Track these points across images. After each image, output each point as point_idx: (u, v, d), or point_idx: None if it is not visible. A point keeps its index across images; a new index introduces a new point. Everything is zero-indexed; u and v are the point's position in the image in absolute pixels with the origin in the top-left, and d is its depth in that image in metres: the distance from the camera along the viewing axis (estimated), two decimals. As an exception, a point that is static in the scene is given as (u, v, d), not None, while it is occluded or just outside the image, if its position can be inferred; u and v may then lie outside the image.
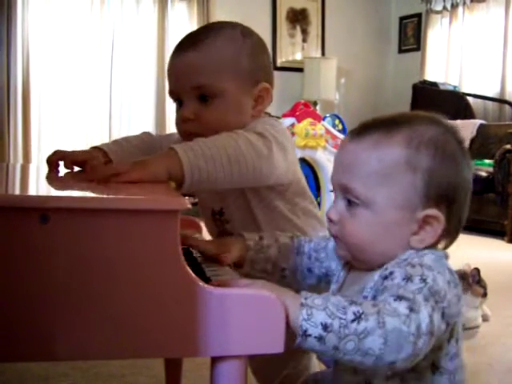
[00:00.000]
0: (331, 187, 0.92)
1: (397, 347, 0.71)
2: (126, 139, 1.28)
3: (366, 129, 0.87)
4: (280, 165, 1.08)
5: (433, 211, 0.84)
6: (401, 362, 0.72)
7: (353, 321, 0.71)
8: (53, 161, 1.12)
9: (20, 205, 0.69)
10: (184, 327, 0.74)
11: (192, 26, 5.80)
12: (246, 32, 1.19)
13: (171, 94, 1.18)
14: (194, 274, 0.75)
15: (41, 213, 0.69)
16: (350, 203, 0.87)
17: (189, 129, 1.14)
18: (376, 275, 0.84)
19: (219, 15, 5.83)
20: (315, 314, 0.72)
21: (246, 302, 0.75)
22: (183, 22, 5.86)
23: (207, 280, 0.83)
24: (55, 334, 0.71)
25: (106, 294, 0.72)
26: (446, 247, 0.89)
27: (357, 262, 0.91)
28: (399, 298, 0.74)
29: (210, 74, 1.12)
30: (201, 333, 0.74)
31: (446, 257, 0.86)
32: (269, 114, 1.24)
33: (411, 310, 0.73)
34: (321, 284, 1.03)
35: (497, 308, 2.61)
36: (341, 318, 0.71)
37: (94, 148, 1.22)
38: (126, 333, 0.73)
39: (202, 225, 1.38)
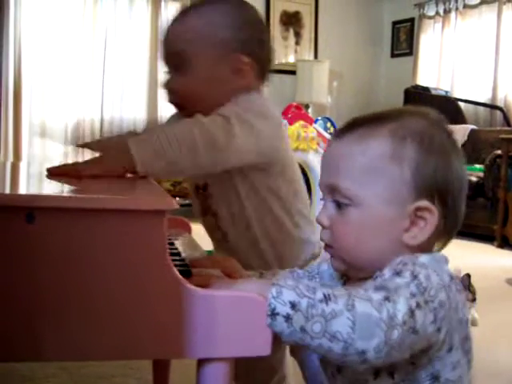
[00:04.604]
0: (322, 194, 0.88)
1: (366, 333, 0.67)
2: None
3: (349, 126, 0.85)
4: (246, 147, 1.07)
5: (423, 203, 0.79)
6: (372, 351, 0.68)
7: (321, 301, 0.69)
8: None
9: (5, 203, 0.69)
10: (170, 328, 0.74)
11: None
12: (238, 4, 1.21)
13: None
14: (180, 276, 0.74)
15: (26, 212, 0.68)
16: (339, 205, 0.82)
17: (172, 99, 1.19)
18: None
19: (212, 17, 5.82)
20: (284, 292, 0.71)
21: (233, 304, 0.74)
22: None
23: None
24: (41, 334, 0.71)
25: (91, 294, 0.71)
26: (440, 249, 0.84)
27: (353, 271, 0.86)
28: (378, 288, 0.72)
29: (183, 42, 1.16)
30: (187, 334, 0.74)
31: (446, 261, 0.81)
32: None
33: (386, 298, 0.69)
34: None
35: (485, 313, 2.63)
36: (309, 298, 0.70)
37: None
38: (111, 333, 0.72)
39: (192, 225, 1.38)
